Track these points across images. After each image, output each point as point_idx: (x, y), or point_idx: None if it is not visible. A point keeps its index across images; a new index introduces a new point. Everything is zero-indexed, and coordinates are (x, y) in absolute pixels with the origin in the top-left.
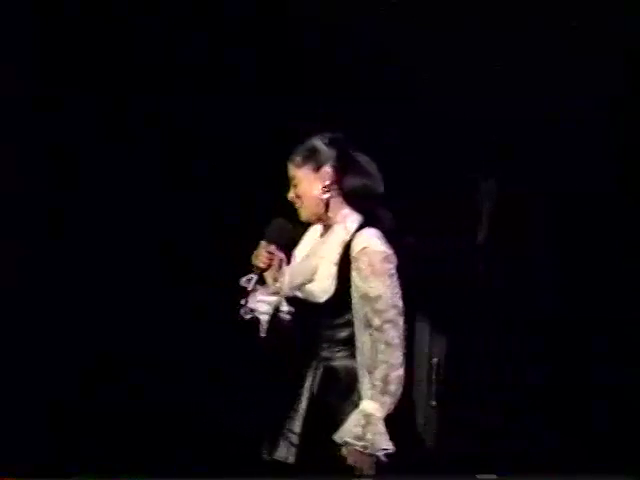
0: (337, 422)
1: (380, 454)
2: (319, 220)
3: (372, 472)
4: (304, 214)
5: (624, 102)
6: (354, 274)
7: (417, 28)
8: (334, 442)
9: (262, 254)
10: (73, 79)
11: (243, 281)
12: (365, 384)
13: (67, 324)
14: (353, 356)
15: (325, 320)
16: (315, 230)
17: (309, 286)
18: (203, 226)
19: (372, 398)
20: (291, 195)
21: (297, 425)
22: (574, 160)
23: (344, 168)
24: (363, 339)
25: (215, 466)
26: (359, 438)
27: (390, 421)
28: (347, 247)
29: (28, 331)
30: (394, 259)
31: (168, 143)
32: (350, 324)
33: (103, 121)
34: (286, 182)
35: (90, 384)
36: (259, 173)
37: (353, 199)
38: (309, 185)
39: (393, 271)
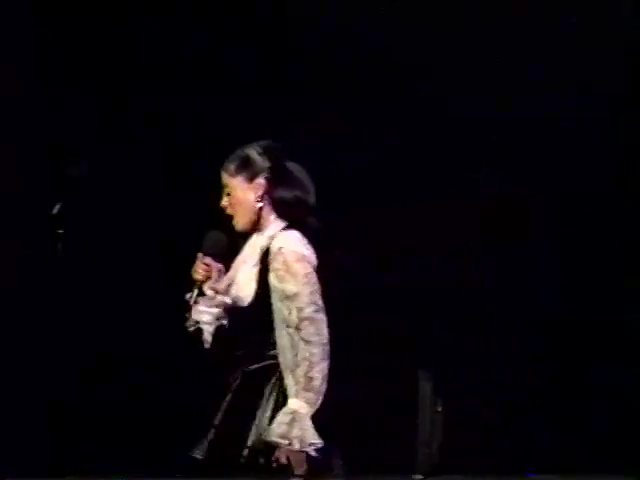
0: (258, 422)
1: (309, 449)
2: (253, 229)
3: (304, 470)
4: (238, 223)
5: (624, 102)
6: (271, 275)
7: (415, 26)
8: (255, 441)
9: (199, 266)
10: (73, 79)
11: (187, 296)
12: (289, 382)
13: (67, 323)
14: (275, 357)
15: (251, 323)
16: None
17: (234, 291)
18: (203, 226)
19: (297, 395)
20: (224, 203)
21: (216, 425)
22: (574, 160)
23: (277, 179)
24: (283, 338)
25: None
26: (285, 436)
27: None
28: (267, 250)
29: (28, 330)
30: (311, 260)
31: (168, 143)
32: (272, 326)
33: (103, 121)
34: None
35: (90, 384)
36: None
37: (284, 210)
38: (243, 194)
39: (309, 270)
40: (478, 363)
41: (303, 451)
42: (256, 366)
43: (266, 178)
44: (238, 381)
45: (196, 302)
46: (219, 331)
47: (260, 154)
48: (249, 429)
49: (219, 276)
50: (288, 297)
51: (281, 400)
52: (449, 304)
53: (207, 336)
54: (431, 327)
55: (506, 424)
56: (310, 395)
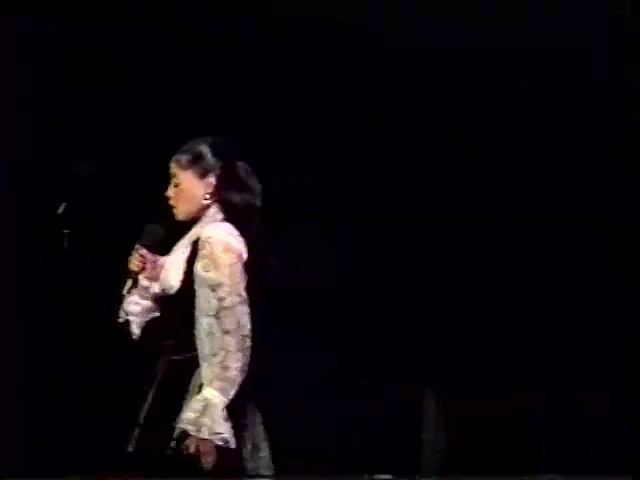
0: (178, 414)
1: (216, 439)
2: (193, 221)
3: (212, 461)
4: (180, 214)
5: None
6: (198, 264)
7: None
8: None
9: (134, 257)
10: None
11: (124, 289)
12: (205, 372)
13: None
14: (191, 345)
15: (177, 312)
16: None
17: (163, 279)
18: None
19: (211, 384)
20: (169, 193)
21: (141, 417)
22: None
23: (227, 179)
24: (202, 328)
25: None
26: (194, 423)
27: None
28: (197, 239)
29: (28, 329)
30: (239, 251)
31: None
32: (190, 314)
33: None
34: None
35: (90, 383)
36: None
37: (231, 211)
38: (191, 189)
39: (235, 261)
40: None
41: (210, 440)
42: (180, 357)
43: (217, 176)
44: (162, 372)
45: (129, 293)
46: (149, 322)
47: (213, 151)
48: (175, 421)
49: (153, 267)
50: (210, 286)
51: (199, 391)
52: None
53: (134, 328)
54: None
55: (506, 422)
56: (224, 385)
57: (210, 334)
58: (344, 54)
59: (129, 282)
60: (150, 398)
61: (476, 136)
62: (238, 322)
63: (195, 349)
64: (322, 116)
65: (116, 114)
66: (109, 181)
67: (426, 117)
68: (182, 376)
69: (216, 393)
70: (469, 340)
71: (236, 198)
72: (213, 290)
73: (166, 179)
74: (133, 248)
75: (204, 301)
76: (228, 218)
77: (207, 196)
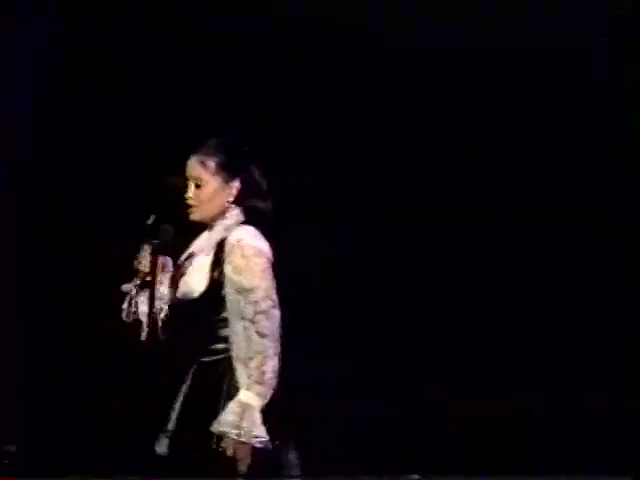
0: (212, 416)
1: (254, 442)
2: (210, 222)
3: (248, 462)
4: (199, 215)
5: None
6: (228, 267)
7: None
8: (210, 435)
9: (144, 258)
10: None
11: (124, 287)
12: (241, 375)
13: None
14: (228, 350)
15: (200, 317)
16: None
17: (183, 282)
18: None
19: (248, 388)
20: (190, 195)
21: (172, 420)
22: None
23: (250, 183)
24: (237, 332)
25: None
26: (234, 426)
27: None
28: (222, 243)
29: (27, 329)
30: (269, 254)
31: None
32: (225, 319)
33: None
34: None
35: (90, 383)
36: None
37: (253, 216)
38: (216, 193)
39: (267, 265)
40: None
41: (249, 443)
42: (210, 359)
43: (241, 180)
44: (193, 375)
45: (137, 293)
46: (163, 323)
47: (239, 155)
48: (208, 424)
49: (164, 268)
50: (245, 290)
51: (234, 394)
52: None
53: (144, 327)
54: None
55: (506, 423)
56: (262, 389)
57: (247, 338)
58: (344, 54)
59: (136, 282)
60: (180, 400)
61: (476, 136)
62: (273, 326)
63: (223, 352)
64: (322, 116)
65: (117, 114)
66: (109, 183)
67: (426, 117)
68: (213, 379)
69: (254, 396)
70: (468, 340)
71: (259, 202)
72: (248, 294)
73: (178, 178)
74: (138, 248)
75: (238, 305)
76: (249, 221)
77: (230, 199)
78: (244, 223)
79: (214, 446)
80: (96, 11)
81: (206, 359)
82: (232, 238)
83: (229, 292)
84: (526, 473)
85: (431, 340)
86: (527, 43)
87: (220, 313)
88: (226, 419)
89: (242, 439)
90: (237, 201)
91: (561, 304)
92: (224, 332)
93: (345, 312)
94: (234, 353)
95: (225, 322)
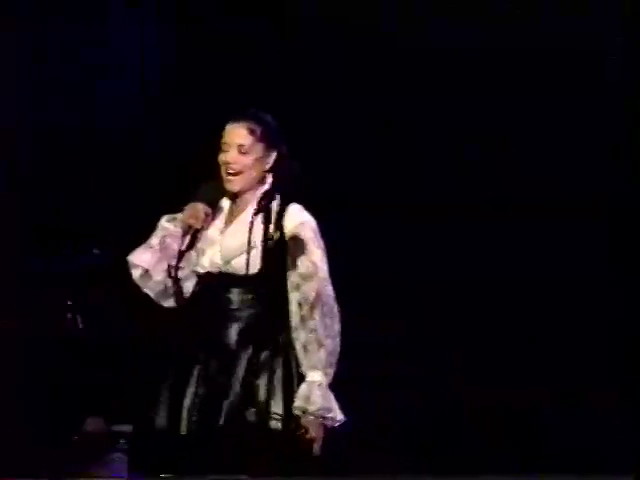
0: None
1: (335, 423)
2: (244, 192)
3: (321, 444)
4: (239, 184)
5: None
6: (293, 248)
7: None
8: (265, 422)
9: (199, 212)
10: None
11: (171, 229)
12: (311, 357)
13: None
14: (280, 330)
15: (252, 294)
16: (225, 204)
17: (237, 260)
18: None
19: (317, 369)
20: (232, 158)
21: (225, 407)
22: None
23: (285, 157)
24: (302, 313)
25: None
26: (328, 410)
27: None
28: (278, 221)
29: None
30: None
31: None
32: (282, 298)
33: None
34: None
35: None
36: None
37: (286, 188)
38: (257, 160)
39: (323, 247)
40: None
41: (331, 424)
42: (265, 341)
43: (279, 153)
44: (248, 355)
45: (186, 251)
46: (213, 289)
47: (277, 128)
48: (259, 402)
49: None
50: (308, 272)
51: (291, 375)
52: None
53: (188, 286)
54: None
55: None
56: (330, 370)
57: (312, 319)
58: (357, 54)
59: (188, 238)
60: (238, 381)
61: (485, 135)
62: (333, 307)
63: (280, 332)
64: (334, 115)
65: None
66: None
67: (438, 116)
68: (273, 360)
69: (323, 378)
70: (471, 334)
71: (292, 177)
72: (312, 275)
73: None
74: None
75: (307, 288)
76: (283, 195)
77: (268, 168)
78: (285, 201)
79: (290, 429)
80: None
81: (260, 341)
82: (292, 218)
83: (292, 273)
84: (535, 471)
85: (427, 332)
86: (540, 43)
87: (277, 292)
88: (317, 402)
89: (328, 422)
90: (272, 171)
91: (577, 300)
92: (279, 312)
93: (367, 303)
94: (294, 334)
95: (282, 301)
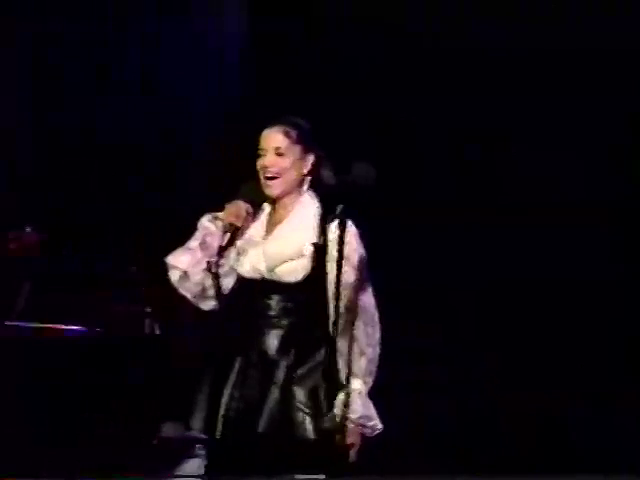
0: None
1: (375, 431)
2: (282, 198)
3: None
4: (279, 188)
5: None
6: (335, 255)
7: None
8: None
9: (241, 210)
10: None
11: (212, 229)
12: (356, 364)
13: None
14: (320, 338)
15: (293, 302)
16: (267, 208)
17: (281, 268)
18: None
19: (359, 377)
20: (270, 162)
21: (265, 414)
22: None
23: (321, 161)
24: (346, 320)
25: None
26: (368, 418)
27: None
28: (322, 227)
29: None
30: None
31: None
32: (315, 305)
33: None
34: None
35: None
36: None
37: (324, 192)
38: (295, 163)
39: (366, 256)
40: None
41: (371, 432)
42: (307, 349)
43: (317, 156)
44: (290, 360)
45: (226, 248)
46: (253, 289)
47: (311, 132)
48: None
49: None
50: (349, 280)
51: (331, 383)
52: None
53: (227, 282)
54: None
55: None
56: (370, 378)
57: (353, 328)
58: (383, 54)
59: (228, 235)
60: (277, 388)
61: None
62: (374, 315)
63: (320, 340)
64: (359, 115)
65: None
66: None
67: (454, 116)
68: (313, 368)
69: (363, 386)
70: (503, 339)
71: (332, 181)
72: (356, 283)
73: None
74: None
75: (351, 295)
76: (322, 200)
77: (307, 172)
78: (329, 208)
79: (331, 435)
80: None
81: (301, 349)
82: (336, 225)
83: (329, 279)
84: (567, 474)
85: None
86: (584, 43)
87: (319, 299)
88: (358, 411)
89: (367, 431)
90: (310, 175)
91: (608, 304)
92: (320, 319)
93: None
94: (344, 343)
95: (323, 308)
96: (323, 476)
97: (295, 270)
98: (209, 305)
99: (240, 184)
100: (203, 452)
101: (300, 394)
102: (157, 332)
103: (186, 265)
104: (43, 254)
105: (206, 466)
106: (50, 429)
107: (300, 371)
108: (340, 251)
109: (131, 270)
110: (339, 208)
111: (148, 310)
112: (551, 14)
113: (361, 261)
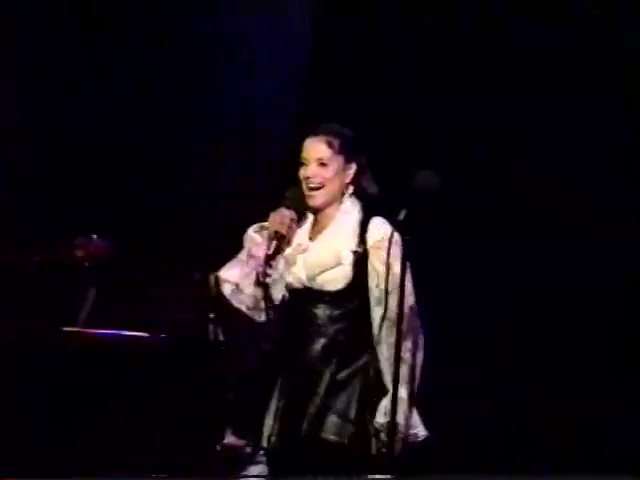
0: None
1: (420, 438)
2: (324, 208)
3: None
4: (322, 198)
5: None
6: (376, 262)
7: None
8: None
9: (286, 218)
10: None
11: (258, 240)
12: (401, 372)
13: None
14: (365, 345)
15: (339, 309)
16: (310, 217)
17: (322, 276)
18: None
19: (404, 385)
20: (312, 172)
21: (308, 419)
22: None
23: (363, 170)
24: (387, 328)
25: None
26: (412, 425)
27: None
28: (362, 235)
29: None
30: None
31: None
32: (359, 313)
33: None
34: None
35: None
36: None
37: (366, 201)
38: (337, 173)
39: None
40: None
41: (414, 440)
42: (350, 356)
43: (359, 164)
44: (334, 367)
45: (273, 257)
46: (298, 301)
47: (354, 140)
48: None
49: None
50: (391, 287)
51: (374, 390)
52: None
53: (277, 292)
54: None
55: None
56: (413, 385)
57: (411, 336)
58: (434, 54)
59: (274, 243)
60: (320, 396)
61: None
62: (417, 321)
63: (365, 347)
64: (411, 115)
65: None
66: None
67: (511, 115)
68: (356, 374)
69: (406, 393)
70: (541, 344)
71: (374, 190)
72: (397, 290)
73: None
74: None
75: (390, 300)
76: (364, 209)
77: (349, 181)
78: (368, 214)
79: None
80: None
81: (345, 357)
82: (376, 232)
83: (378, 287)
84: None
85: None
86: (618, 43)
87: (354, 304)
88: (411, 420)
89: (412, 439)
90: (352, 184)
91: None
92: (364, 327)
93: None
94: (378, 349)
95: (366, 316)
96: None
97: (335, 279)
98: (263, 316)
99: (284, 191)
100: (264, 459)
101: (342, 401)
102: (220, 338)
103: (237, 277)
104: (109, 261)
105: (268, 473)
106: (114, 433)
107: (343, 378)
108: (379, 258)
109: (195, 277)
110: (402, 213)
111: (212, 316)
112: (562, 14)
113: (401, 267)
